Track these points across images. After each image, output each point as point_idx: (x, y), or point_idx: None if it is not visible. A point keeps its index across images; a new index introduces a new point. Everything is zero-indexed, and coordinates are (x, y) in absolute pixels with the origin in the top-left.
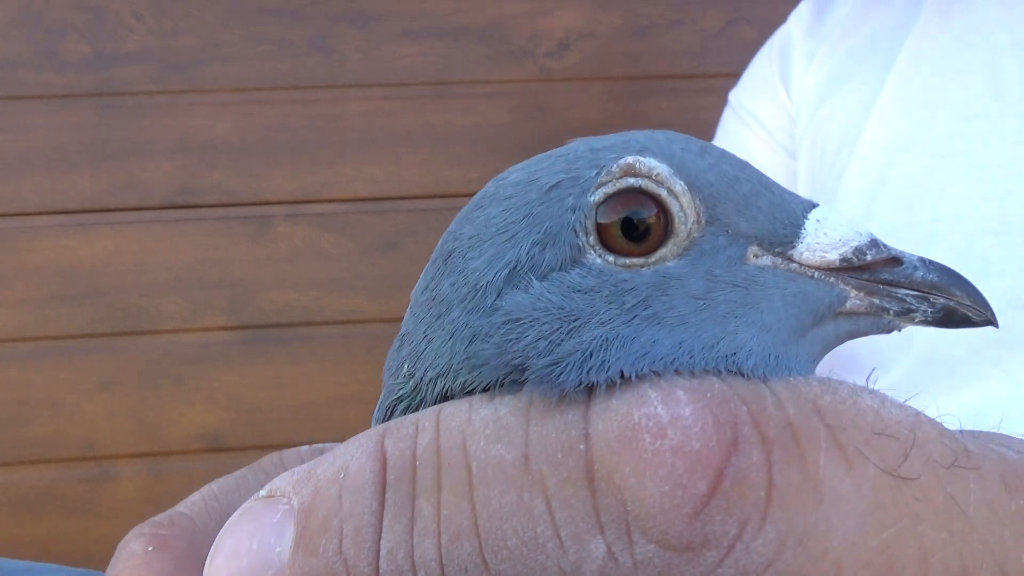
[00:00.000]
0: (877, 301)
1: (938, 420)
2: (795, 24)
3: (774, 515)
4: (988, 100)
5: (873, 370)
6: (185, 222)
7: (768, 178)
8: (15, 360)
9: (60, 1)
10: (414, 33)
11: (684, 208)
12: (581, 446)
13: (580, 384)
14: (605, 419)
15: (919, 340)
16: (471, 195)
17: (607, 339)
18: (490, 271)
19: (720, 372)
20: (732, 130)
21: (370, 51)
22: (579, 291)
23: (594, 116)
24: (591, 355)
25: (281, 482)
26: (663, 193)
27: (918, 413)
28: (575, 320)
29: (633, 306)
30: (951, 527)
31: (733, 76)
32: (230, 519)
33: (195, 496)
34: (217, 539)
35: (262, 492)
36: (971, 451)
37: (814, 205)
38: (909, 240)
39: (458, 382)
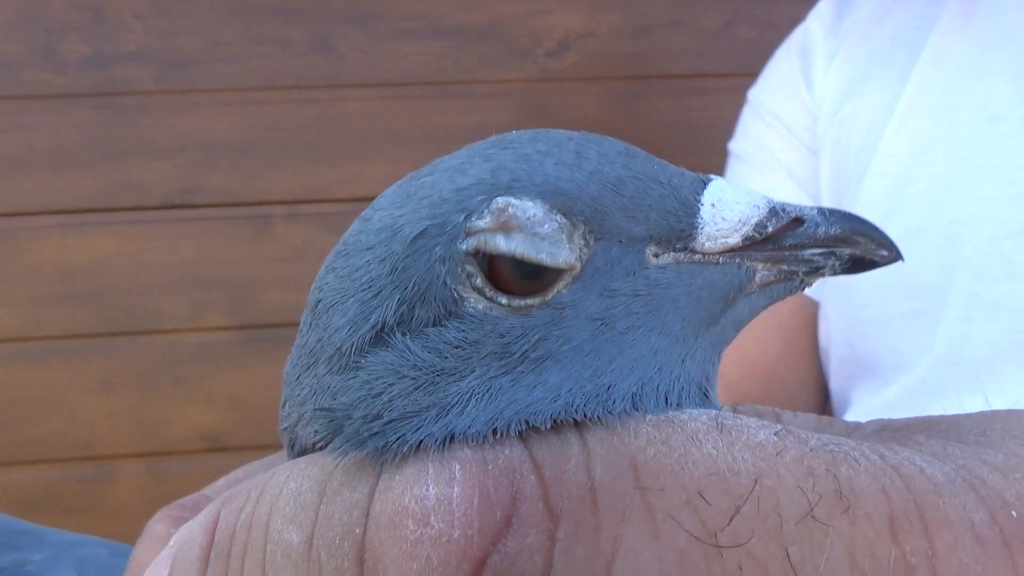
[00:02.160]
0: (785, 267)
1: (828, 447)
2: (815, 23)
3: None
4: (1012, 101)
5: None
6: (185, 222)
7: (653, 161)
8: (15, 360)
9: (60, 1)
10: (414, 33)
11: (569, 239)
12: (358, 529)
13: (380, 447)
14: (383, 499)
15: (940, 342)
16: None
17: (473, 392)
18: (354, 333)
19: (585, 412)
20: (753, 128)
21: (370, 51)
22: (456, 346)
23: (594, 116)
24: (447, 410)
25: (179, 536)
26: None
27: (780, 452)
28: (449, 375)
29: (522, 353)
30: None
31: (733, 76)
32: (151, 566)
33: (221, 481)
34: None
35: (172, 541)
36: (849, 491)
37: (705, 182)
38: (931, 241)
39: (315, 437)
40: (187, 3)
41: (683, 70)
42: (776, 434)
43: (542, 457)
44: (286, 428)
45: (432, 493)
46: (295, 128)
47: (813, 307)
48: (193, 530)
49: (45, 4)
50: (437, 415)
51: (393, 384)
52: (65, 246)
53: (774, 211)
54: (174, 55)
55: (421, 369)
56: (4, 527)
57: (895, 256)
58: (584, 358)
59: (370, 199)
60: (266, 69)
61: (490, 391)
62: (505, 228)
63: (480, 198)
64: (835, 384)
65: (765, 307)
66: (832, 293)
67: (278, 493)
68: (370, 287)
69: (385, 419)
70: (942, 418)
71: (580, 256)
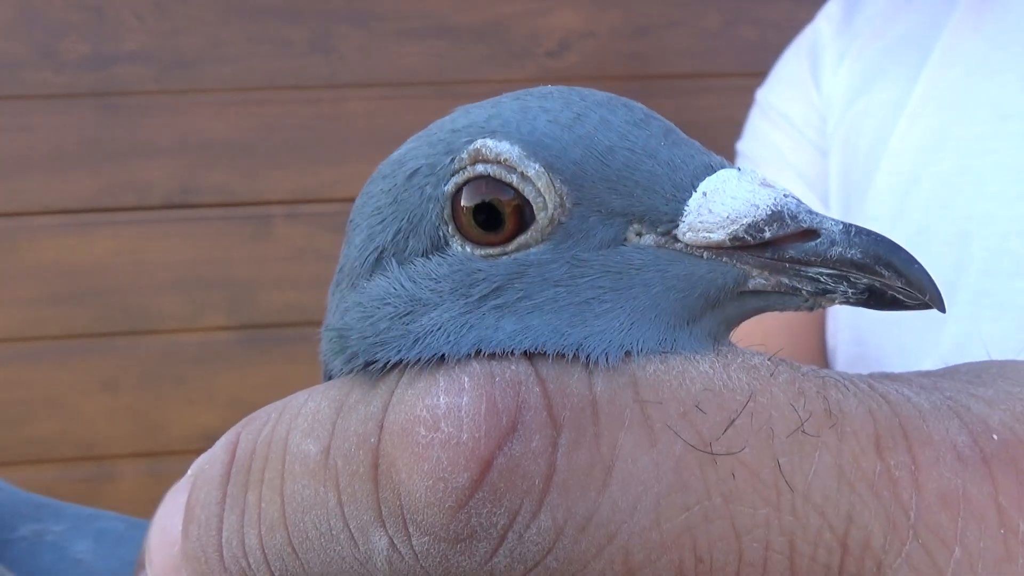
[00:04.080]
0: (786, 280)
1: (818, 375)
2: (824, 23)
3: (551, 502)
4: (1023, 100)
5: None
6: (185, 222)
7: (667, 137)
8: (15, 360)
9: (60, 1)
10: (414, 33)
11: (541, 192)
12: (373, 439)
13: (388, 365)
14: (396, 410)
15: (947, 341)
16: None
17: (440, 326)
18: (362, 254)
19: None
20: (761, 129)
21: (370, 51)
22: (431, 279)
23: None
24: (416, 341)
25: (196, 464)
26: (514, 179)
27: (773, 374)
28: (423, 306)
29: (481, 297)
30: (776, 501)
31: (733, 76)
32: (167, 494)
33: None
34: (157, 511)
35: (190, 471)
36: (838, 411)
37: (714, 169)
38: (941, 239)
39: (323, 355)
40: (187, 3)
41: (683, 70)
42: (770, 360)
43: (546, 373)
44: (326, 351)
45: (443, 402)
46: (295, 128)
47: None
48: (213, 452)
49: (45, 4)
50: (412, 343)
51: (379, 309)
52: (65, 246)
53: (778, 216)
54: (174, 55)
55: (401, 298)
56: (26, 501)
57: (926, 303)
58: (543, 316)
59: None
60: (266, 69)
61: (456, 326)
62: (482, 160)
63: (465, 140)
64: None
65: (761, 311)
66: None
67: (297, 412)
68: (378, 213)
69: (371, 340)
70: (940, 369)
71: (553, 215)
